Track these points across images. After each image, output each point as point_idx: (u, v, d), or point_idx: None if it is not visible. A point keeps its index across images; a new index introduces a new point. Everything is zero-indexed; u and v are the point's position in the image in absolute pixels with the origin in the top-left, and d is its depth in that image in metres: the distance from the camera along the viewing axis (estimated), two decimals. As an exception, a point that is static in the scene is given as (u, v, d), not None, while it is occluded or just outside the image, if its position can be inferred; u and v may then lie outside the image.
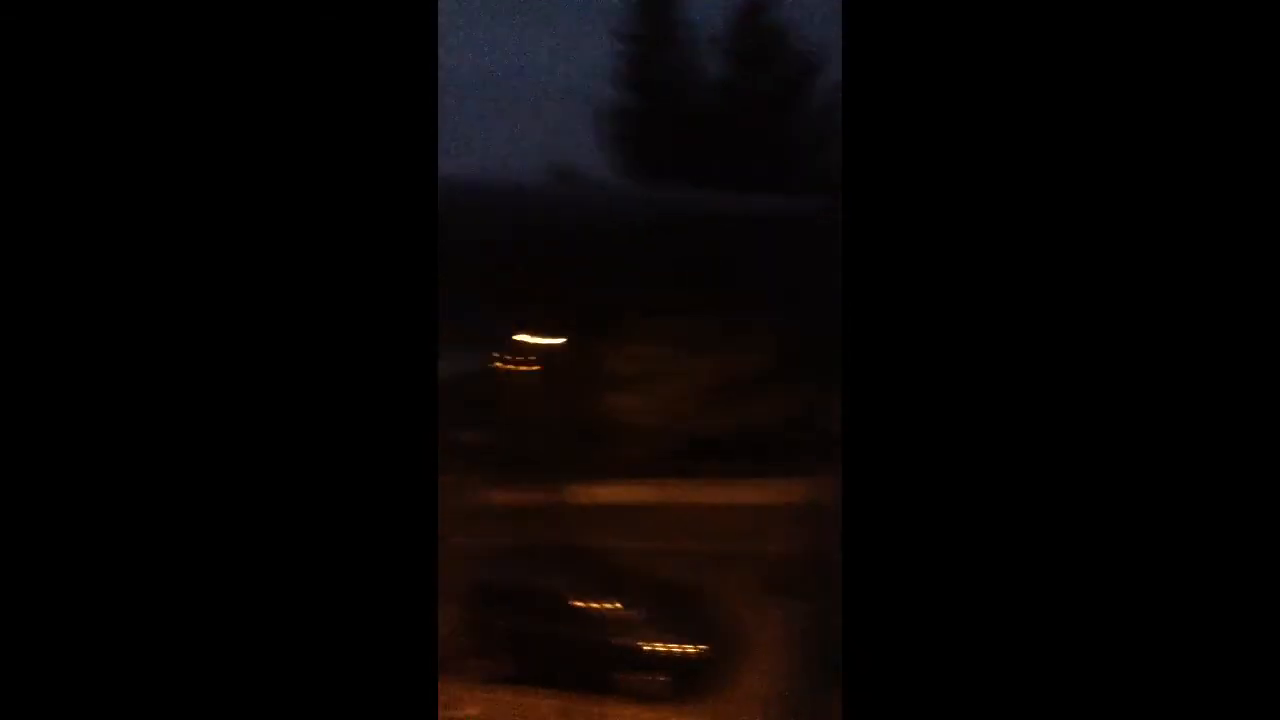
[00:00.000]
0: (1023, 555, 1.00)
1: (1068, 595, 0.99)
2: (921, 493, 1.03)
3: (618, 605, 5.28)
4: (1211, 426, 0.99)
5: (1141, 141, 1.04)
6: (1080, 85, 1.03)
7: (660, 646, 5.03)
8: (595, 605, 5.28)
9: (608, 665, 5.01)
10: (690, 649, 5.03)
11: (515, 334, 6.66)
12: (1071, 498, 1.01)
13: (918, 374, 1.05)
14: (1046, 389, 1.03)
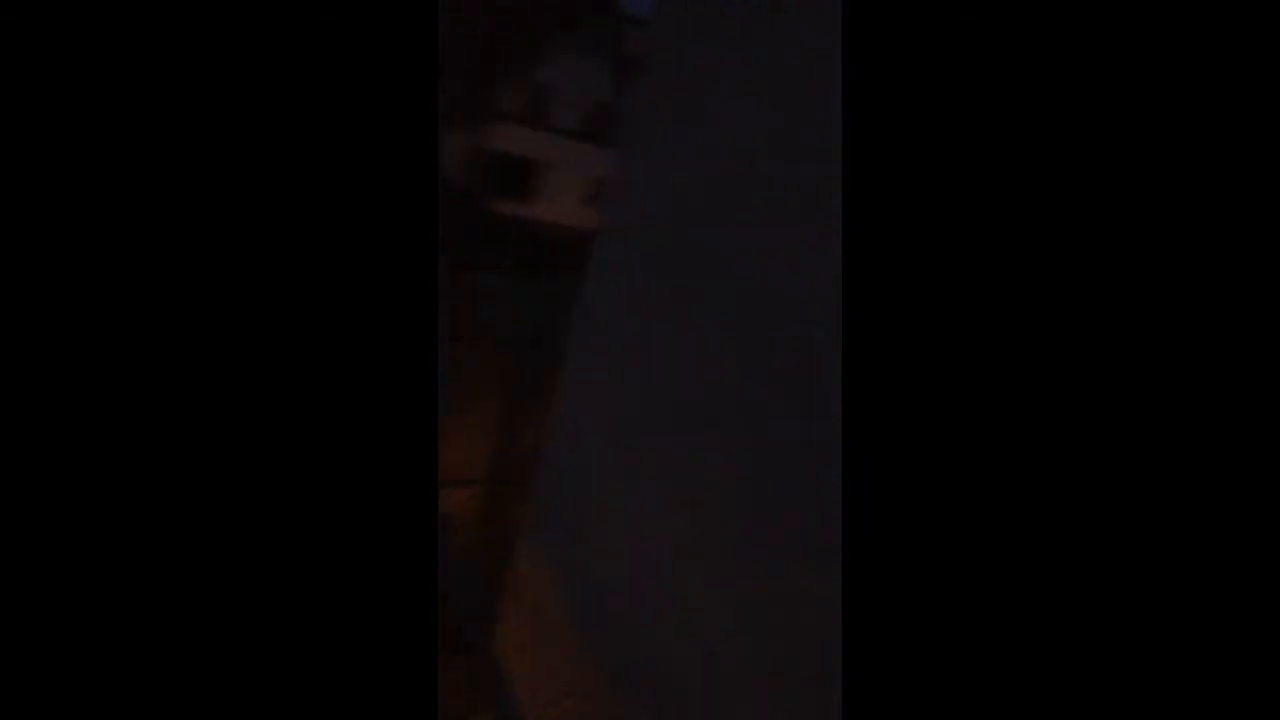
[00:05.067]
0: (1027, 556, 0.99)
1: (1076, 598, 0.98)
2: (923, 493, 1.00)
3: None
4: (1213, 426, 0.96)
5: (1145, 146, 0.99)
6: (1089, 84, 1.00)
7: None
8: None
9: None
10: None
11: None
12: (1076, 500, 1.00)
13: (918, 376, 1.02)
14: (1050, 391, 1.00)
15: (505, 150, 13.21)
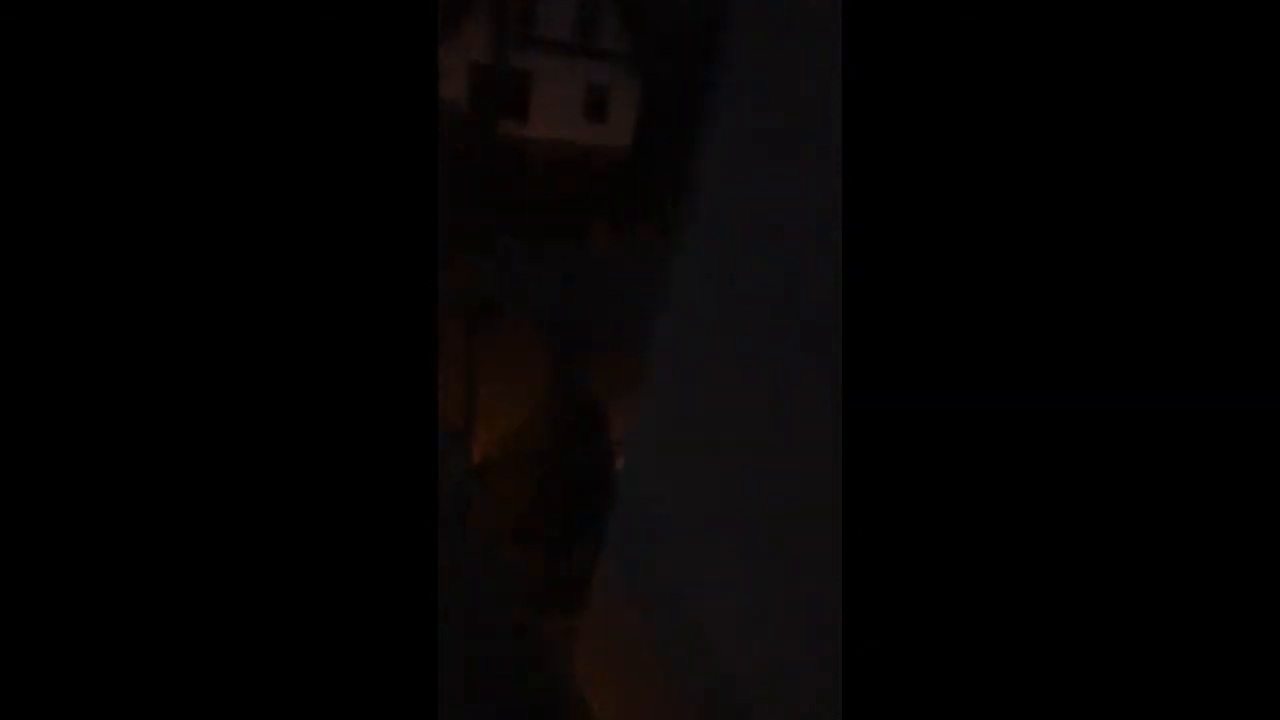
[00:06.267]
0: (1026, 555, 1.01)
1: (1079, 601, 1.01)
2: (923, 491, 1.02)
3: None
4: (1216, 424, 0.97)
5: (1146, 150, 1.00)
6: (1091, 86, 1.00)
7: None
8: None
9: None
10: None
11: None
12: (1077, 501, 1.02)
13: (918, 377, 1.03)
14: (1048, 387, 1.02)
15: (497, 65, 12.42)
